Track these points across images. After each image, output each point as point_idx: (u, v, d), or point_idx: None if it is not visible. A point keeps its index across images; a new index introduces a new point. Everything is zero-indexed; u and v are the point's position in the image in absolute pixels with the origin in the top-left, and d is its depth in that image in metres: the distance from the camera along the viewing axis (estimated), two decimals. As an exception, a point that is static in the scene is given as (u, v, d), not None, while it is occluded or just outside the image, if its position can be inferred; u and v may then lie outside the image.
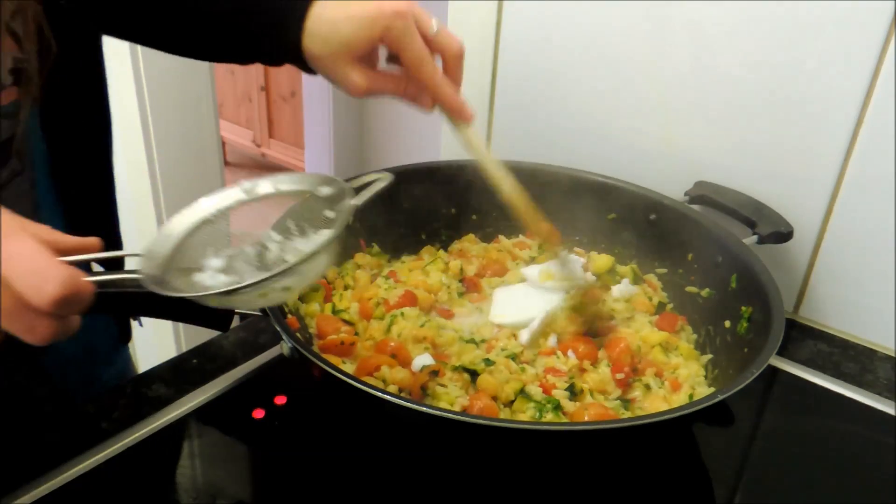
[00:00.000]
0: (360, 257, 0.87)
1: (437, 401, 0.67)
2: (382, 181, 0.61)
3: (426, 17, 0.61)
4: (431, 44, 0.61)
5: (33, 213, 0.66)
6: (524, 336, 0.75)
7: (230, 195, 0.60)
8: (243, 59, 0.69)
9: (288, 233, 0.60)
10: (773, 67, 0.84)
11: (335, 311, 0.79)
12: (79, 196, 0.72)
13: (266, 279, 0.51)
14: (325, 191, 0.60)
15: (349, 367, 0.71)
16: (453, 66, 0.63)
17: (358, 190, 0.59)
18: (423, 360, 0.71)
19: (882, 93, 0.78)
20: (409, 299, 0.79)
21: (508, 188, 0.67)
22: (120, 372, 0.87)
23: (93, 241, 0.49)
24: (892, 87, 0.77)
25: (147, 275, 0.52)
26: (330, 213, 0.58)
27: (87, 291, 0.44)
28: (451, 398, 0.67)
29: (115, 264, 0.53)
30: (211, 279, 0.56)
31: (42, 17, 0.59)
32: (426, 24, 0.61)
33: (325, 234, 0.57)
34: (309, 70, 0.65)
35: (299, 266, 0.53)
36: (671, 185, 0.91)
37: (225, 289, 0.51)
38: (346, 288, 0.83)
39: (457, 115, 0.64)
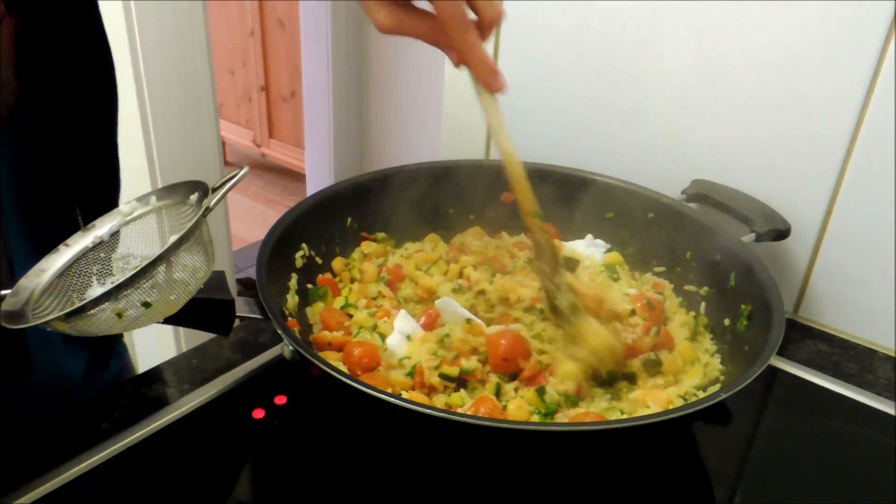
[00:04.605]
0: (367, 245, 0.88)
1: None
2: (237, 176, 0.60)
3: None
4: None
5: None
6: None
7: (107, 221, 0.60)
8: None
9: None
10: (772, 65, 0.84)
11: (344, 307, 0.79)
12: (50, 220, 0.69)
13: (103, 295, 0.51)
14: (195, 197, 0.59)
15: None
16: (484, 29, 0.60)
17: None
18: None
19: (882, 92, 0.78)
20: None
21: (516, 173, 0.66)
22: (114, 377, 0.86)
23: None
24: (893, 87, 0.77)
25: (5, 311, 0.52)
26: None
27: None
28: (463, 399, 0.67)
29: None
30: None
31: (11, 55, 0.58)
32: None
33: (170, 240, 0.55)
34: None
35: (150, 277, 0.52)
36: (668, 183, 0.91)
37: (60, 313, 0.50)
38: (352, 281, 0.84)
39: (482, 82, 0.62)
